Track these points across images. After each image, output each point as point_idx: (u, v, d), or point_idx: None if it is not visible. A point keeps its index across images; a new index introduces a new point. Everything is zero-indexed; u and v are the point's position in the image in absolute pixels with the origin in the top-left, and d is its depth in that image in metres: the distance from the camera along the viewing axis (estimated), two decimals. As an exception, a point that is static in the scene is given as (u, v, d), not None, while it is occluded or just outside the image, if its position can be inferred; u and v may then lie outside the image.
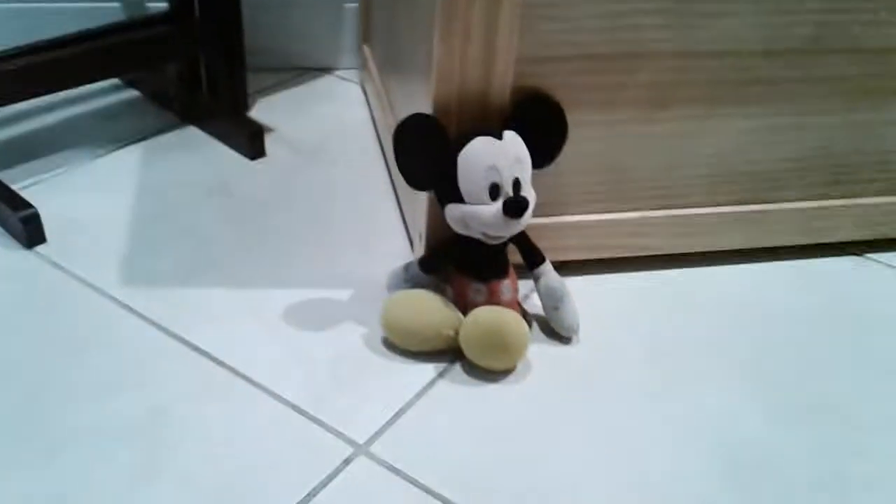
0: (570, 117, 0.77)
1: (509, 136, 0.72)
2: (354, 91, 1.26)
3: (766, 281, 0.90)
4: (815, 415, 0.74)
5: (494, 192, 0.71)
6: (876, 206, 0.92)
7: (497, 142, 0.71)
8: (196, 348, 0.76)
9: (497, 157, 0.71)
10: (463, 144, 0.71)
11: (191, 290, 0.83)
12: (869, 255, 0.95)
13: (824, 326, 0.84)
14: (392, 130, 0.72)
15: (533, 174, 0.75)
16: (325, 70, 1.32)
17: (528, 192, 0.73)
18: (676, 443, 0.70)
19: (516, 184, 0.72)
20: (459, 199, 0.72)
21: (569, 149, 0.78)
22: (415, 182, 0.73)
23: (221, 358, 0.75)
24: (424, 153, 0.72)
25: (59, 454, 0.65)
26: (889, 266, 0.93)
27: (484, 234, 0.73)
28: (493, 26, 0.71)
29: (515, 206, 0.71)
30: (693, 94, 0.80)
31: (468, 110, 0.75)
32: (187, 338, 0.77)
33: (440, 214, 0.78)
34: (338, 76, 1.30)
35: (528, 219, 0.73)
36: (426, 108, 0.75)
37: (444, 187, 0.73)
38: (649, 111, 0.80)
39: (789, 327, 0.83)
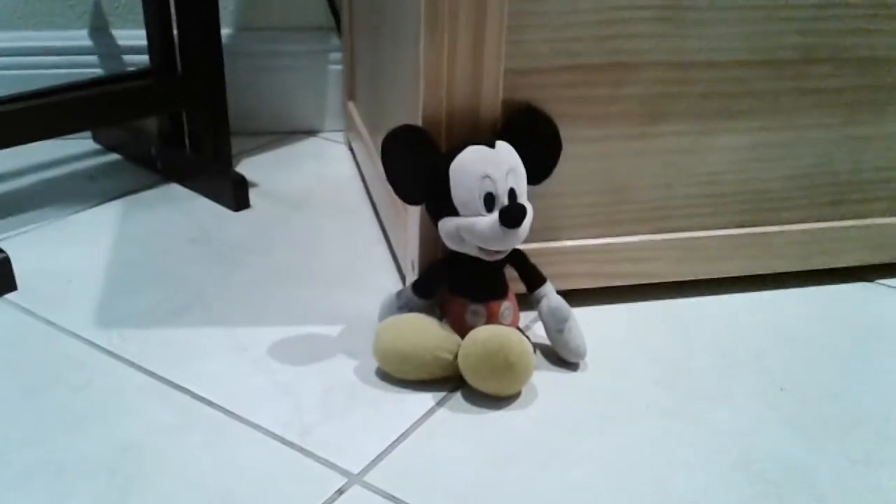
0: (563, 133, 0.74)
1: (502, 145, 0.70)
2: (340, 149, 1.24)
3: (774, 308, 0.85)
4: (845, 430, 0.68)
5: (489, 202, 0.68)
6: (882, 226, 0.89)
7: (490, 151, 0.69)
8: (174, 384, 0.70)
9: (490, 165, 0.68)
10: (454, 155, 0.68)
11: (170, 329, 0.78)
12: (880, 281, 0.91)
13: (839, 348, 0.79)
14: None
15: (528, 192, 0.72)
16: (309, 133, 1.30)
17: (525, 202, 0.70)
18: (699, 461, 0.64)
19: (511, 193, 0.69)
20: (453, 212, 0.69)
21: (562, 167, 0.75)
22: (405, 194, 0.70)
23: (201, 393, 0.69)
24: (414, 164, 0.69)
25: (19, 490, 0.58)
26: (901, 289, 0.90)
27: (480, 249, 0.69)
28: (480, 36, 0.69)
29: (512, 215, 0.67)
30: (686, 108, 0.78)
31: (458, 124, 0.72)
32: (164, 375, 0.71)
33: (432, 240, 0.74)
34: (323, 137, 1.29)
35: (525, 230, 0.69)
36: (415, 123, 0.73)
37: (437, 200, 0.69)
38: (642, 126, 0.78)
39: (803, 350, 0.78)
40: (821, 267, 0.89)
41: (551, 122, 0.74)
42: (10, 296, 0.82)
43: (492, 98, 0.72)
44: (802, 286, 0.89)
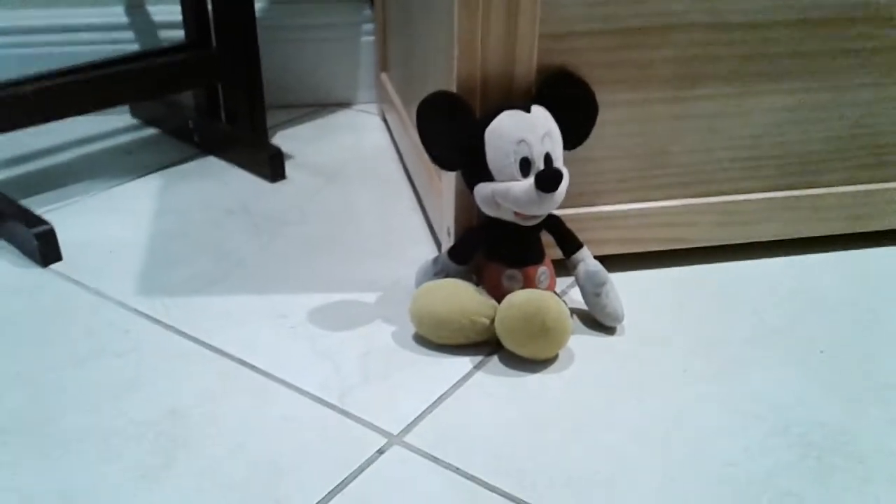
0: (598, 97, 0.74)
1: (538, 110, 0.70)
2: (374, 121, 1.25)
3: (813, 271, 0.84)
4: (885, 392, 0.67)
5: (525, 167, 0.68)
6: (925, 188, 0.87)
7: (526, 115, 0.68)
8: (217, 350, 0.72)
9: (526, 130, 0.68)
10: (489, 120, 0.68)
11: (211, 297, 0.79)
12: (922, 244, 0.90)
13: (879, 311, 0.78)
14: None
15: (563, 157, 0.71)
16: (343, 105, 1.31)
17: (561, 167, 0.69)
18: (737, 426, 0.64)
19: (547, 158, 0.69)
20: (489, 178, 0.69)
21: (598, 131, 0.75)
22: (441, 160, 0.70)
23: (243, 358, 0.71)
24: (450, 129, 0.69)
25: (67, 453, 0.60)
26: (945, 252, 0.88)
27: (516, 214, 0.69)
28: (515, 0, 0.69)
29: (548, 180, 0.67)
30: (724, 70, 0.77)
31: (493, 90, 0.72)
32: (207, 340, 0.73)
33: (467, 206, 0.75)
34: (357, 109, 1.30)
35: (561, 195, 0.69)
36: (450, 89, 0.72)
37: (473, 166, 0.69)
38: (679, 89, 0.77)
39: (843, 314, 0.78)
40: (862, 230, 0.88)
41: (587, 86, 0.73)
42: (55, 266, 0.84)
43: (526, 63, 0.72)
44: (843, 249, 0.88)
